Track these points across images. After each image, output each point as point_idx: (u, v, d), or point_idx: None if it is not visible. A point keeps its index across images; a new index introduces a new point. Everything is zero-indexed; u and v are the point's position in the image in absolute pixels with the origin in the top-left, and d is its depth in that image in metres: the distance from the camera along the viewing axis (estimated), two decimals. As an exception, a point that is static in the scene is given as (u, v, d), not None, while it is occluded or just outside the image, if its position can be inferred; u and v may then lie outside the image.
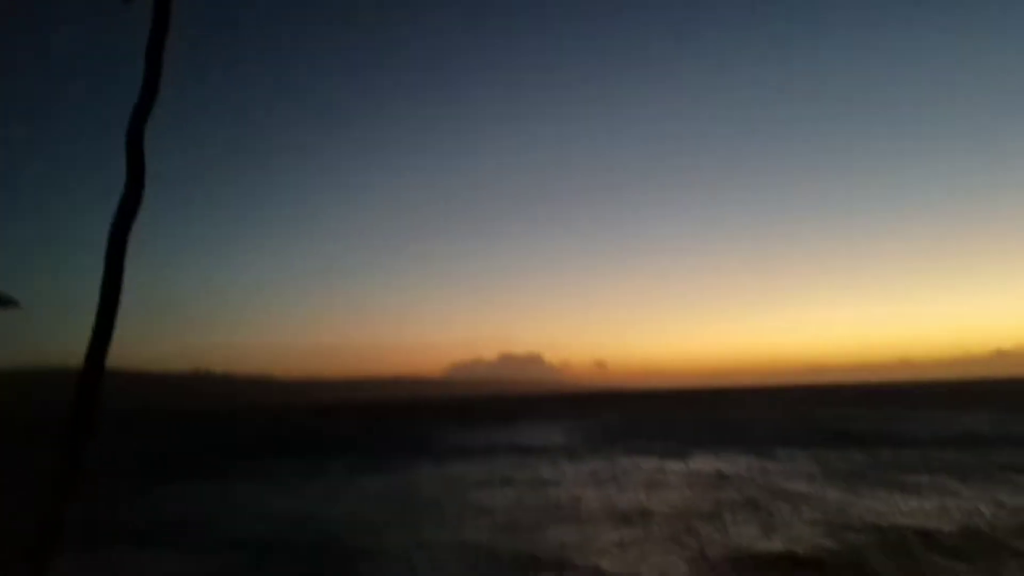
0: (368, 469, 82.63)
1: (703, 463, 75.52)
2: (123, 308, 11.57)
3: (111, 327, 11.33)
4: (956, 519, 39.77)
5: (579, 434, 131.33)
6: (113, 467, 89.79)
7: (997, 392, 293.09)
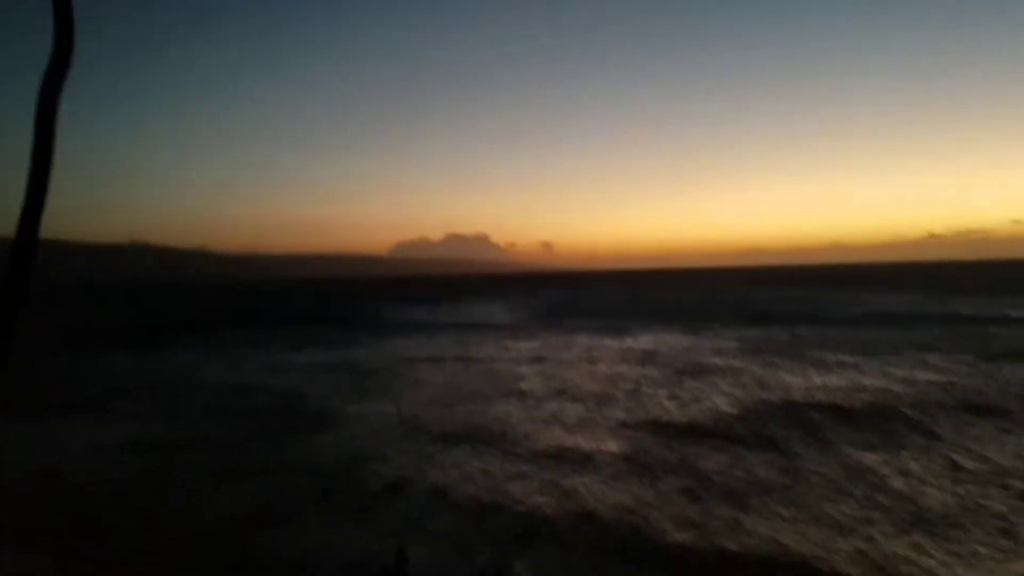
0: (314, 343, 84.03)
1: (637, 340, 78.82)
2: (58, 176, 11.40)
3: (44, 196, 10.98)
4: (861, 393, 43.09)
5: (523, 312, 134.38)
6: (53, 339, 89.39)
7: (925, 275, 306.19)
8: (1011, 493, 23.72)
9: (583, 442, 32.46)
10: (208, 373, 60.72)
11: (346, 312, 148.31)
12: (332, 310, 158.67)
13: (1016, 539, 20.09)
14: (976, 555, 19.17)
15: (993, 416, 35.40)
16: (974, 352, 58.92)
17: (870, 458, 28.64)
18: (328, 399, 45.62)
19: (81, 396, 49.14)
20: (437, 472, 28.08)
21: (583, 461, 29.27)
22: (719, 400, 41.79)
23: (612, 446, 31.71)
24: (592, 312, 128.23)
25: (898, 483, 25.20)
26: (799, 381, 47.68)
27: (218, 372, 61.11)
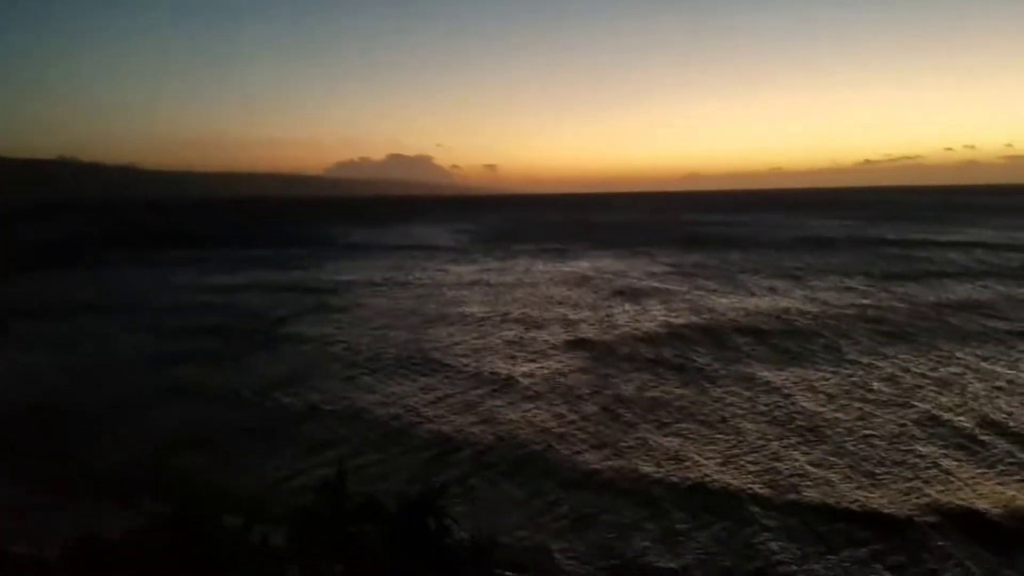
0: (252, 264, 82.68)
1: (577, 263, 79.68)
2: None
3: None
4: (782, 315, 44.89)
5: (466, 236, 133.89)
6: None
7: (859, 202, 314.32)
8: (908, 413, 25.45)
9: (513, 364, 33.13)
10: (141, 293, 59.60)
11: (284, 233, 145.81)
12: (270, 231, 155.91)
13: (908, 455, 21.72)
14: (872, 473, 20.72)
15: (902, 338, 37.50)
16: (893, 275, 61.61)
17: (783, 376, 30.11)
18: (265, 322, 45.46)
19: (22, 309, 48.37)
20: (367, 395, 28.53)
21: (510, 382, 29.97)
22: (648, 322, 43.09)
23: (540, 367, 32.50)
24: (535, 236, 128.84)
25: (805, 401, 26.50)
26: (726, 303, 49.35)
27: (152, 292, 60.07)
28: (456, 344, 37.86)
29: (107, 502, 17.74)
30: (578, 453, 21.79)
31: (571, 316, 45.84)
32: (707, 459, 21.14)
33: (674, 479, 19.76)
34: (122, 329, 43.59)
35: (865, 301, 48.97)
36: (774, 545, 16.21)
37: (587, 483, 19.63)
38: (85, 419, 25.69)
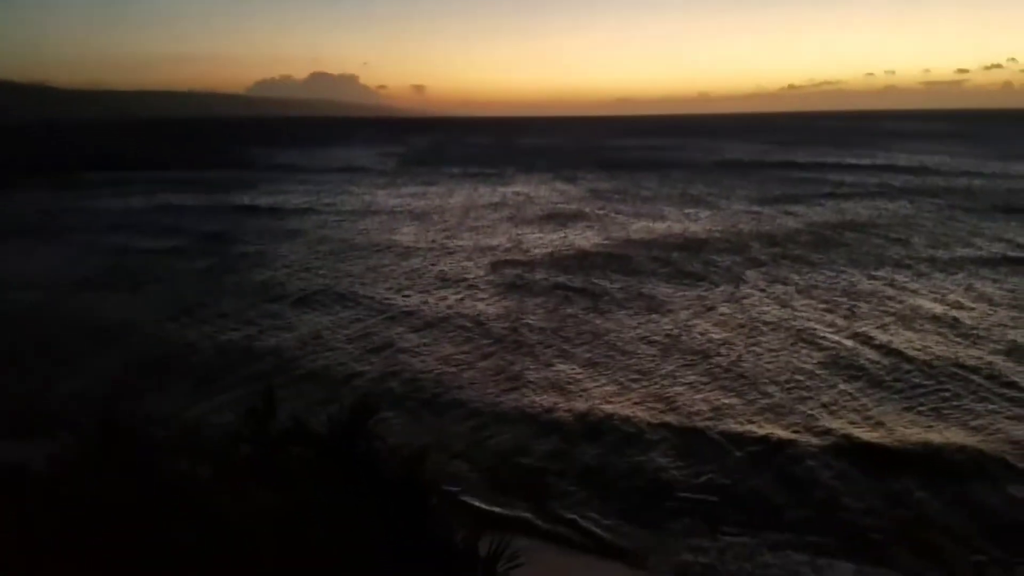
0: (175, 187, 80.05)
1: (502, 187, 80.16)
2: None
3: None
4: (688, 235, 46.89)
5: (395, 158, 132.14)
6: None
7: (781, 126, 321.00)
8: (802, 336, 27.22)
9: (429, 293, 33.73)
10: (58, 218, 57.65)
11: (206, 154, 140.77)
12: (191, 152, 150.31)
13: (799, 380, 23.39)
14: (763, 396, 22.32)
15: (803, 260, 39.57)
16: (801, 197, 64.35)
17: (685, 301, 31.59)
18: (183, 253, 44.51)
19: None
20: (284, 333, 28.73)
21: (423, 311, 30.59)
22: (564, 247, 44.35)
23: (456, 295, 33.33)
24: (464, 159, 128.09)
25: (703, 326, 27.88)
26: (640, 226, 51.19)
27: (69, 217, 58.15)
28: (377, 273, 38.15)
29: (23, 436, 17.52)
30: (477, 382, 22.52)
31: (490, 243, 46.71)
32: (604, 384, 22.15)
33: (570, 404, 20.65)
34: (34, 256, 42.43)
35: (770, 224, 51.26)
36: (662, 461, 17.31)
37: (486, 416, 20.20)
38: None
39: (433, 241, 46.84)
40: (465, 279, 36.23)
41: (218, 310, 30.67)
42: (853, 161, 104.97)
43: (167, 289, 34.57)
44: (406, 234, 49.71)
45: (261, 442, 8.93)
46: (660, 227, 50.56)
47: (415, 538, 7.93)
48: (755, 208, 59.30)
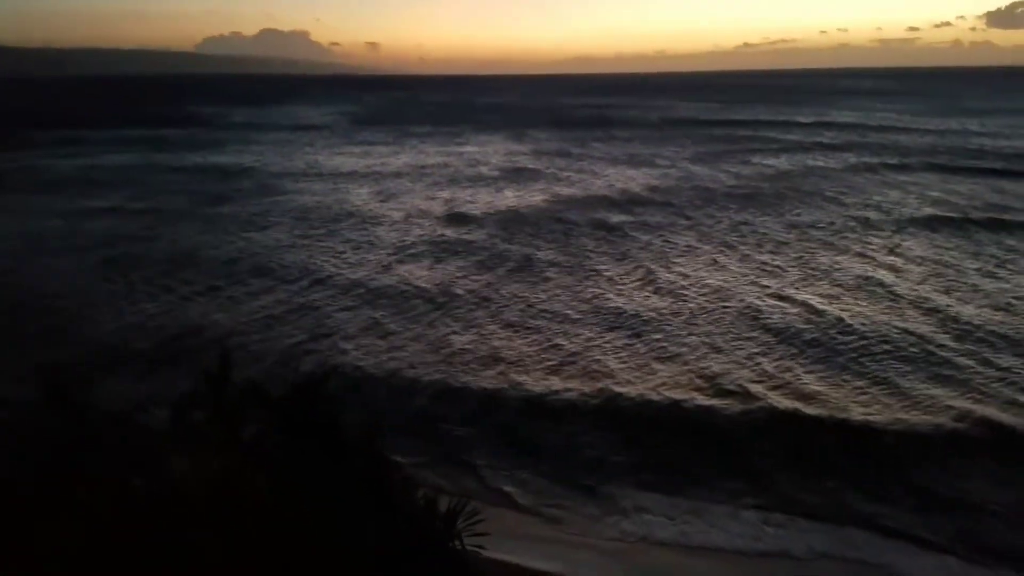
0: (128, 146, 79.94)
1: (461, 146, 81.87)
2: None
3: None
4: (627, 190, 49.84)
5: (348, 118, 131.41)
6: None
7: (734, 84, 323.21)
8: (713, 290, 30.01)
9: (375, 263, 33.64)
10: (12, 177, 57.82)
11: (156, 113, 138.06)
12: (142, 110, 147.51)
13: (718, 335, 26.08)
14: (683, 351, 24.94)
15: (729, 218, 42.60)
16: (739, 152, 67.55)
17: (611, 263, 34.24)
18: (118, 212, 45.07)
19: None
20: (241, 289, 30.40)
21: (369, 281, 31.37)
22: (514, 199, 46.92)
23: (397, 261, 34.18)
24: (420, 118, 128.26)
25: (625, 286, 30.11)
26: (588, 180, 54.17)
27: (18, 176, 58.39)
28: (321, 239, 38.16)
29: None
30: (400, 347, 23.30)
31: (434, 204, 48.91)
32: (532, 349, 23.11)
33: (500, 372, 21.44)
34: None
35: (705, 177, 54.34)
36: (593, 429, 18.20)
37: (421, 379, 21.01)
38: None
39: (383, 203, 47.39)
40: (410, 243, 36.77)
41: (185, 275, 31.16)
42: (800, 119, 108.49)
43: (103, 252, 34.97)
44: (358, 196, 50.32)
45: (217, 403, 8.84)
46: (601, 184, 53.23)
47: (377, 498, 7.94)
48: (693, 165, 62.30)
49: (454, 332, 24.45)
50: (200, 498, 7.25)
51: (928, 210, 41.62)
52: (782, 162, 62.25)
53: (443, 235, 38.55)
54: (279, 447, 8.34)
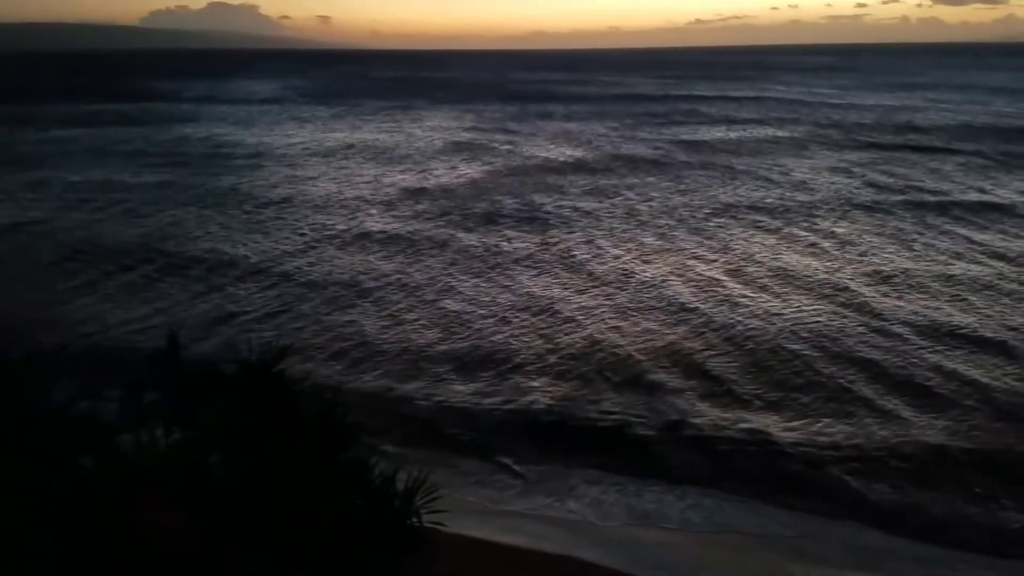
0: (76, 121, 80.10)
1: (414, 120, 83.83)
2: None
3: None
4: (590, 156, 53.69)
5: (301, 94, 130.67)
6: None
7: (686, 60, 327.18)
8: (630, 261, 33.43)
9: (306, 244, 33.63)
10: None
11: (107, 88, 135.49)
12: (90, 85, 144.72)
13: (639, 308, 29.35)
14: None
15: (655, 189, 46.00)
16: (651, 127, 71.67)
17: (537, 237, 37.44)
18: (107, 181, 46.93)
19: None
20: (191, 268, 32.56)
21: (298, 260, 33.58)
22: (467, 170, 49.86)
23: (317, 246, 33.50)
24: (371, 93, 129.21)
25: (549, 263, 33.43)
26: (535, 152, 57.16)
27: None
28: (268, 221, 38.20)
29: None
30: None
31: (407, 166, 51.09)
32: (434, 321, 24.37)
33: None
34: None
35: (645, 148, 57.79)
36: (544, 395, 19.23)
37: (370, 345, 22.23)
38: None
39: (334, 179, 48.03)
40: (359, 222, 37.26)
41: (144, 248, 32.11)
42: (739, 93, 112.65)
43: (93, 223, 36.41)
44: (306, 172, 50.93)
45: (168, 385, 8.77)
46: (540, 155, 56.34)
47: (332, 474, 7.84)
48: (622, 138, 65.92)
49: (398, 311, 25.14)
50: (151, 475, 7.17)
51: (838, 188, 43.22)
52: (707, 134, 66.24)
53: (391, 210, 39.88)
54: (233, 425, 8.14)
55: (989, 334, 21.77)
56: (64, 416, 8.20)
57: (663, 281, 26.95)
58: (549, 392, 19.15)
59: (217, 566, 6.93)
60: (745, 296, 25.32)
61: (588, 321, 23.30)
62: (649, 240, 32.34)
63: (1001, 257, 29.26)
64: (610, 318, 23.65)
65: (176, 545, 6.68)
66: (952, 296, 25.06)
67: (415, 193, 43.36)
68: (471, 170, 50.19)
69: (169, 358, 9.01)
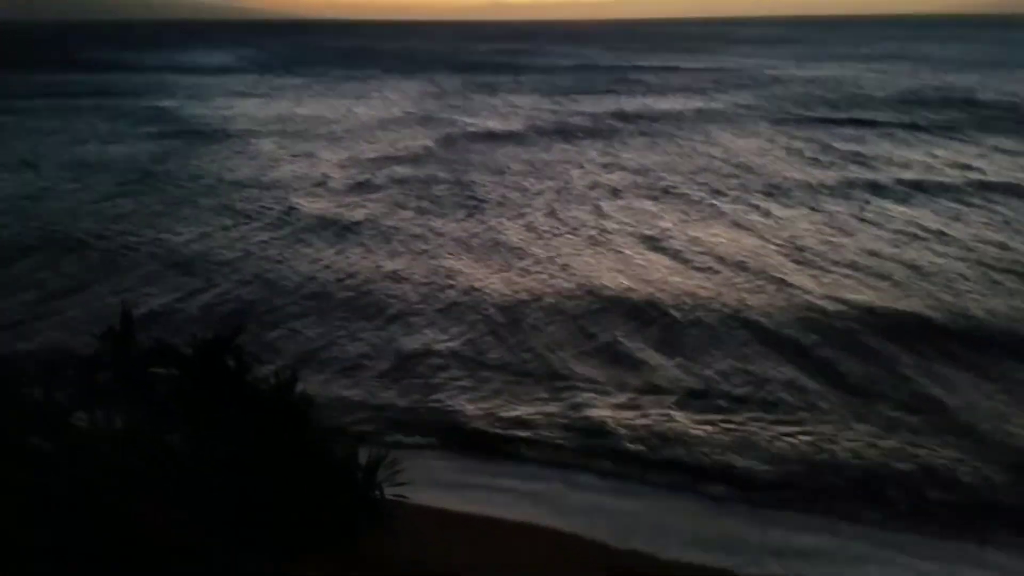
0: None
1: (364, 90, 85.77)
2: None
3: None
4: (534, 122, 57.34)
5: (256, 64, 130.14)
6: None
7: (645, 31, 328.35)
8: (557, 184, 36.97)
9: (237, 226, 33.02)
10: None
11: (66, 58, 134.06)
12: (45, 55, 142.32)
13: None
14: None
15: (599, 138, 49.54)
16: (593, 97, 75.26)
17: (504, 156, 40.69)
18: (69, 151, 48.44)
19: None
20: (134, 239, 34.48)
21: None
22: (415, 133, 53.18)
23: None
24: (326, 63, 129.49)
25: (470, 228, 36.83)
26: (478, 122, 60.38)
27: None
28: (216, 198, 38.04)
29: None
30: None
31: (366, 134, 53.75)
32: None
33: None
34: None
35: (584, 115, 61.35)
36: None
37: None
38: None
39: (270, 156, 48.09)
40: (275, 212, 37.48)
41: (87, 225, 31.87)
42: (684, 65, 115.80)
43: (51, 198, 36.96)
44: (260, 143, 52.08)
45: (120, 363, 8.73)
46: (483, 124, 59.06)
47: (292, 451, 7.84)
48: (560, 106, 69.34)
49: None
50: (105, 455, 7.07)
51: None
52: (641, 104, 69.60)
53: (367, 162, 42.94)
54: (189, 402, 8.23)
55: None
56: (16, 397, 8.07)
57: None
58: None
59: (182, 547, 7.06)
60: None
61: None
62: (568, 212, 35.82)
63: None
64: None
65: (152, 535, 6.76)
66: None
67: (353, 167, 44.06)
68: (412, 142, 51.39)
69: (122, 336, 8.95)
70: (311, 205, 35.53)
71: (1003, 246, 28.15)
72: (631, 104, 69.76)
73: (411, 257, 27.98)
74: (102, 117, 63.70)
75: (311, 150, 49.55)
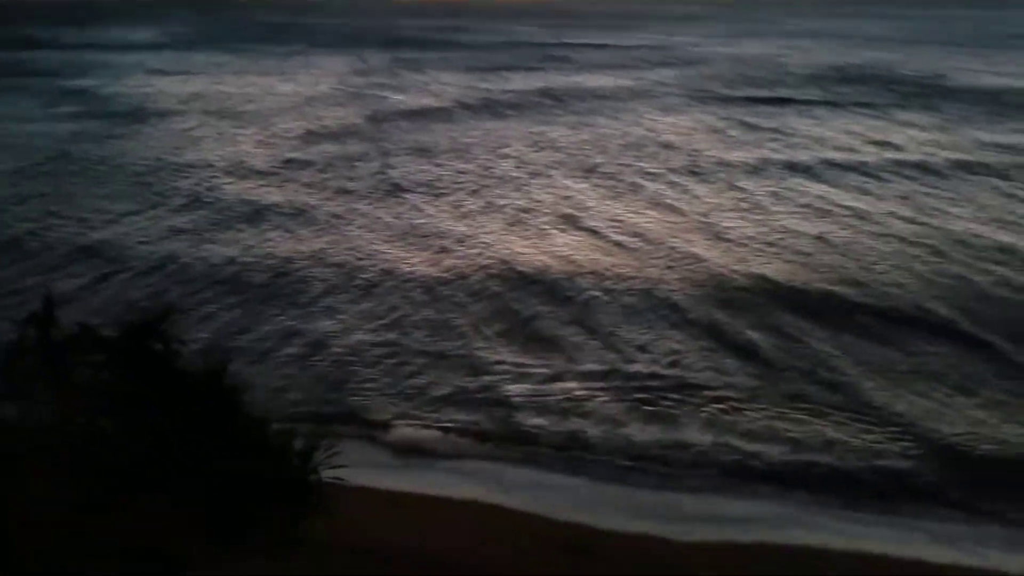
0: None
1: (285, 61, 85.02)
2: None
3: None
4: (462, 100, 57.11)
5: (182, 40, 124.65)
6: None
7: (580, 9, 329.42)
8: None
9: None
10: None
11: None
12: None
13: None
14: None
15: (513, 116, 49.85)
16: (523, 72, 74.91)
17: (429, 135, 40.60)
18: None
19: None
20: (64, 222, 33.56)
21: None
22: (348, 110, 52.66)
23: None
24: (255, 37, 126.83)
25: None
26: (405, 99, 59.80)
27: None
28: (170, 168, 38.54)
29: None
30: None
31: (296, 110, 52.75)
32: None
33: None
34: None
35: (509, 90, 61.41)
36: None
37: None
38: None
39: (208, 127, 48.55)
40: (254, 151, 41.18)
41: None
42: (614, 43, 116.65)
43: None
44: (181, 122, 50.65)
45: (43, 347, 8.57)
46: (410, 102, 58.61)
47: (223, 435, 7.75)
48: (481, 83, 69.25)
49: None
50: (33, 444, 7.04)
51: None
52: (568, 81, 69.94)
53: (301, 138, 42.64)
54: (115, 388, 8.13)
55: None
56: None
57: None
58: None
59: (110, 530, 6.92)
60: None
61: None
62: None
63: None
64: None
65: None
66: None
67: (276, 146, 43.31)
68: (338, 120, 50.76)
69: (45, 320, 8.78)
70: (231, 186, 34.84)
71: (913, 221, 29.25)
72: (559, 81, 70.06)
73: (333, 238, 27.70)
74: (17, 96, 60.64)
75: (233, 129, 48.15)
